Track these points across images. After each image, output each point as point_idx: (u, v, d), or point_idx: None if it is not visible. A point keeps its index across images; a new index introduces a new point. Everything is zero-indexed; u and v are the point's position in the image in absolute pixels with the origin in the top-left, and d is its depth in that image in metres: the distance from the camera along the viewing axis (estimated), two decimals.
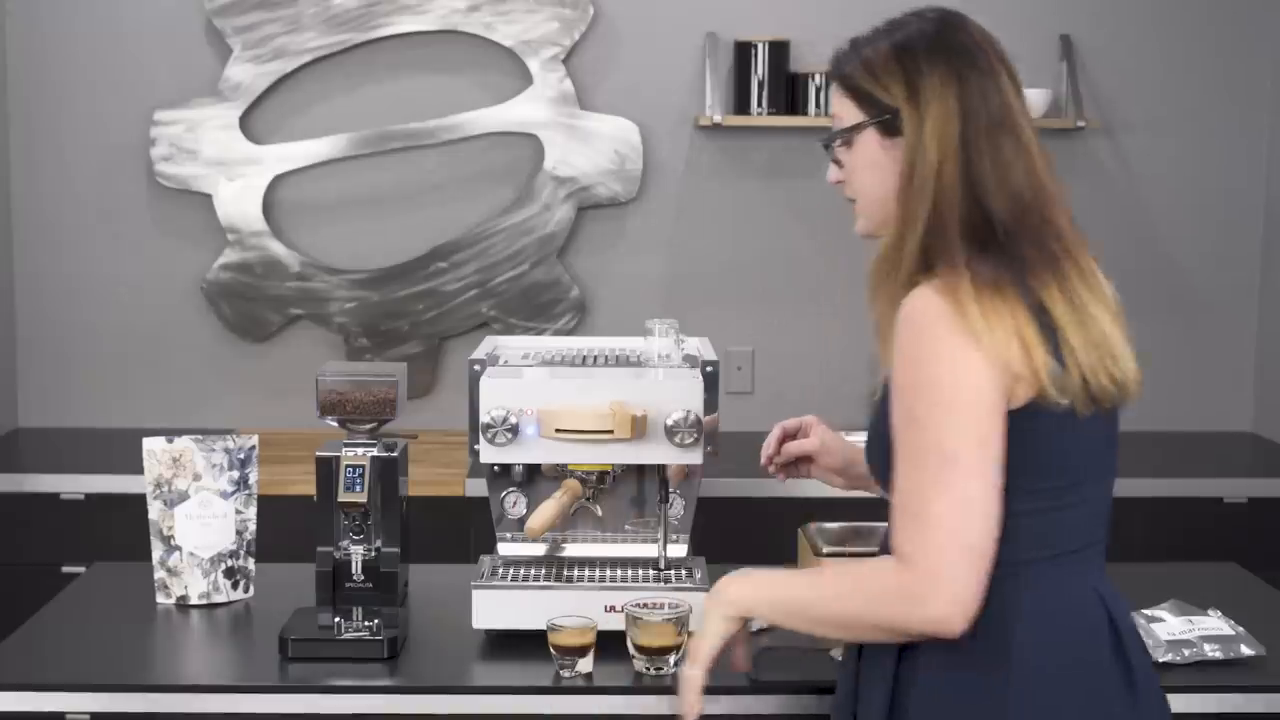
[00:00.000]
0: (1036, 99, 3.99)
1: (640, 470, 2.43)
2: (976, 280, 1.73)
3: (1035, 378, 1.72)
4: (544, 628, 2.21)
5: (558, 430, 2.30)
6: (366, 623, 2.30)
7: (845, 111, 1.89)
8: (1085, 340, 1.76)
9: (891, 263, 1.82)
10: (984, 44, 1.84)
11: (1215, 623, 2.29)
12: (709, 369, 2.38)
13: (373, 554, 2.39)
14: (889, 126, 1.84)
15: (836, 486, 2.33)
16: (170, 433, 2.62)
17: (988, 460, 1.71)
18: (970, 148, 1.79)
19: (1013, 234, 1.77)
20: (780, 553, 2.71)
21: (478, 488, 3.29)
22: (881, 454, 1.85)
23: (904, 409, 1.75)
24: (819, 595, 1.83)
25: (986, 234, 1.77)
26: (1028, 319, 1.73)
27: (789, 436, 2.33)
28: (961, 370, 1.71)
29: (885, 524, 2.42)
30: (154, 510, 2.53)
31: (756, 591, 1.89)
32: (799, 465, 2.33)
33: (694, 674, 1.90)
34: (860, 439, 2.25)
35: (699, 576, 2.37)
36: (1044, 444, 1.75)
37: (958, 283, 1.73)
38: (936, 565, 1.70)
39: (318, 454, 2.39)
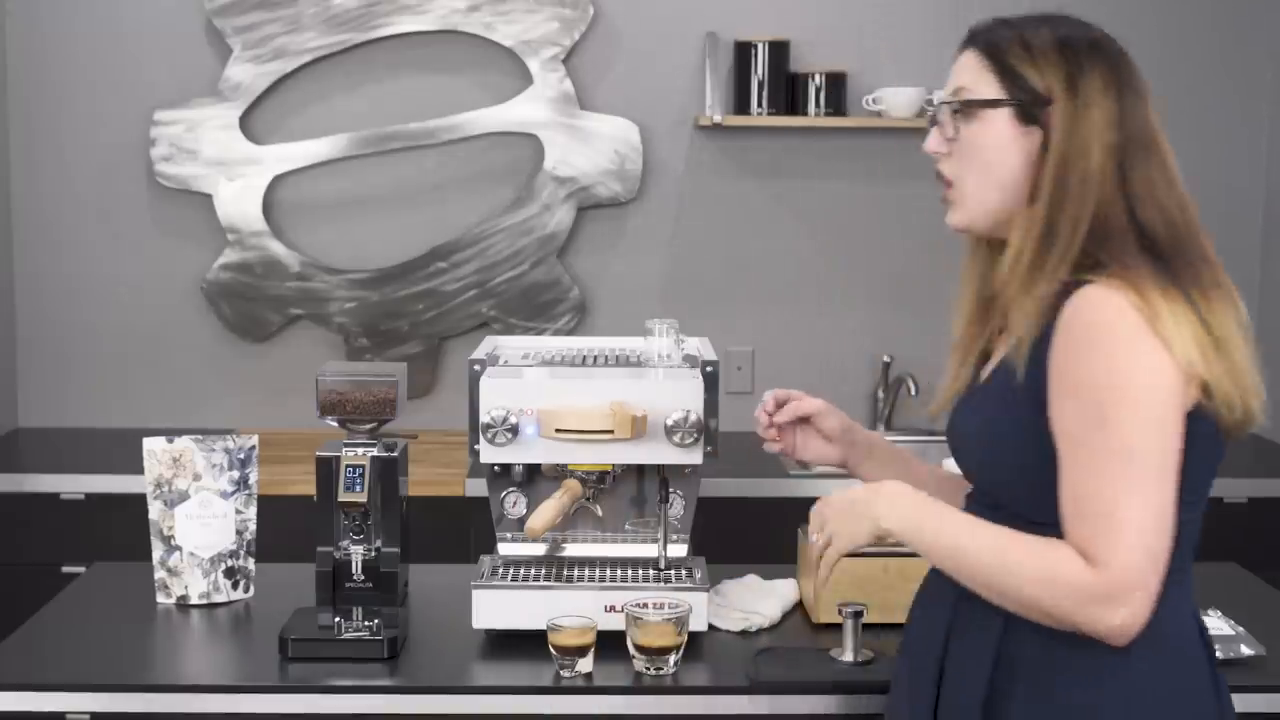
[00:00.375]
0: None
1: (640, 470, 2.43)
2: (1160, 282, 1.68)
3: (1206, 387, 1.68)
4: (544, 628, 2.21)
5: (558, 430, 2.30)
6: (366, 623, 2.30)
7: (980, 84, 1.80)
8: (1237, 362, 1.71)
9: (1040, 259, 1.74)
10: (1135, 65, 1.81)
11: (1215, 623, 2.29)
12: (709, 369, 2.38)
13: (373, 554, 2.39)
14: (1028, 113, 1.77)
15: (828, 461, 2.22)
16: (170, 433, 2.62)
17: (1172, 466, 1.66)
18: (1125, 159, 1.75)
19: (1169, 250, 1.73)
20: (780, 553, 2.71)
21: (478, 488, 3.29)
22: (978, 450, 1.82)
23: (1083, 407, 1.67)
24: (985, 560, 1.73)
25: (1144, 245, 1.72)
26: (1202, 327, 1.69)
27: (780, 405, 2.24)
28: (1156, 371, 1.65)
29: None
30: (154, 510, 2.53)
31: (919, 522, 1.79)
32: (785, 434, 2.22)
33: (833, 556, 1.88)
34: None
35: (699, 576, 2.37)
36: (1194, 455, 1.70)
37: (1141, 283, 1.67)
38: (1130, 574, 1.64)
39: (318, 454, 2.39)
